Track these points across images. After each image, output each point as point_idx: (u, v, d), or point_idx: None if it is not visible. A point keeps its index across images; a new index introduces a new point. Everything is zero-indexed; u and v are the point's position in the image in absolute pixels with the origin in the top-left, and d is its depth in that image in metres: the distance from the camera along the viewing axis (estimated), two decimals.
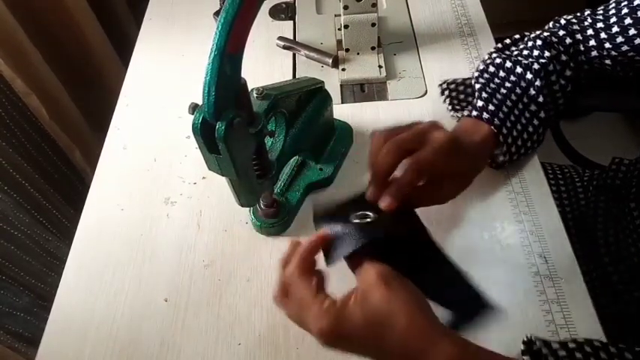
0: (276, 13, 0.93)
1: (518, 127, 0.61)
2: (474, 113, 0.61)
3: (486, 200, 0.64)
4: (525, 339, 0.47)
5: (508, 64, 0.65)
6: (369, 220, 0.48)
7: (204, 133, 0.46)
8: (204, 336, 0.57)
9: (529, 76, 0.63)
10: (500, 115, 0.60)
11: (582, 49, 0.66)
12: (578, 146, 0.94)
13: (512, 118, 0.61)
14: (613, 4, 0.65)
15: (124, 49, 1.15)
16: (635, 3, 0.62)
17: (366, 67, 0.80)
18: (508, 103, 0.61)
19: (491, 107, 0.60)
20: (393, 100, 0.77)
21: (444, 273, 0.50)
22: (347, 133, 0.72)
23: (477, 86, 0.64)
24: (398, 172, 0.51)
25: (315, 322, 0.42)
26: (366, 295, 0.42)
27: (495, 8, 0.96)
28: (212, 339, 0.57)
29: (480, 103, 0.61)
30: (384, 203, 0.49)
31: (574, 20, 0.68)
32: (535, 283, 0.57)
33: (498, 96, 0.62)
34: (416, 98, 0.77)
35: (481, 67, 0.67)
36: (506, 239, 0.61)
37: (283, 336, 0.57)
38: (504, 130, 0.60)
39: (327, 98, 0.66)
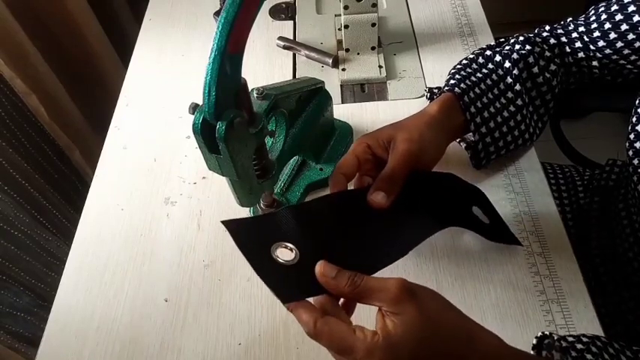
0: (276, 13, 0.93)
1: (491, 109, 0.61)
2: (445, 88, 0.62)
3: None
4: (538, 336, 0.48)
5: (488, 52, 0.66)
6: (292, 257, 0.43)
7: (205, 133, 0.46)
8: (204, 336, 0.57)
9: (507, 64, 0.63)
10: (471, 94, 0.61)
11: (569, 50, 0.67)
12: (578, 146, 0.94)
13: (485, 100, 0.61)
14: (592, 11, 0.66)
15: (124, 49, 1.15)
16: (613, 9, 0.63)
17: (366, 67, 0.80)
18: (482, 86, 0.62)
19: (463, 85, 0.61)
20: (393, 100, 0.77)
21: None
22: (347, 133, 0.72)
23: (453, 71, 0.66)
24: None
25: None
26: (403, 318, 0.40)
27: (495, 8, 0.96)
28: (212, 339, 0.57)
29: (451, 82, 0.62)
30: (378, 197, 0.50)
31: (557, 26, 0.70)
32: (535, 283, 0.57)
33: (473, 78, 0.63)
34: (416, 98, 0.77)
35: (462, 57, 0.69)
36: None
37: (283, 336, 0.57)
38: (473, 109, 0.60)
39: (327, 98, 0.66)
